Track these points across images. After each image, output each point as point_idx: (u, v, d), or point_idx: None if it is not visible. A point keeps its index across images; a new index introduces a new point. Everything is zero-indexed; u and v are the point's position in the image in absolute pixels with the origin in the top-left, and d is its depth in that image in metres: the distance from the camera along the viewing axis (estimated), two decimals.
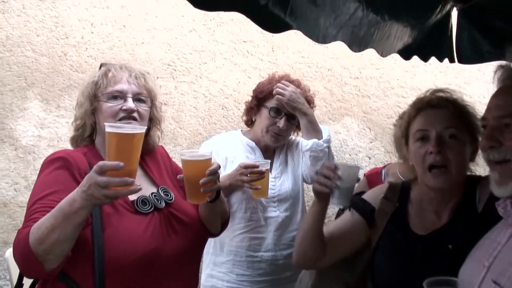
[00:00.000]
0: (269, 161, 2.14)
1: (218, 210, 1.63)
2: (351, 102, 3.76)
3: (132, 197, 1.47)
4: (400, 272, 1.46)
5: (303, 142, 2.23)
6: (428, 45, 2.22)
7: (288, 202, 2.21)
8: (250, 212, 2.15)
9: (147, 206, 1.49)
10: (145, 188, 1.50)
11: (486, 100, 1.27)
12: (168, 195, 1.57)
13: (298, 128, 2.30)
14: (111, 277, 1.35)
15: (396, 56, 2.23)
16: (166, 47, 3.24)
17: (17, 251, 1.27)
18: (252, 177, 2.03)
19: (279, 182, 2.24)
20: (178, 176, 1.52)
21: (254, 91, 2.28)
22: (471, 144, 1.48)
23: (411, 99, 1.66)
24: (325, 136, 2.23)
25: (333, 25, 1.81)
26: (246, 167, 2.04)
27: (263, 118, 2.22)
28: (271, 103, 2.19)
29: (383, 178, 2.64)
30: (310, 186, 2.01)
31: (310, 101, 2.27)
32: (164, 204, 1.53)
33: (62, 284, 1.37)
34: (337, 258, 1.60)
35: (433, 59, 2.33)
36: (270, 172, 2.19)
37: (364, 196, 1.65)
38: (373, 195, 1.63)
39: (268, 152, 2.29)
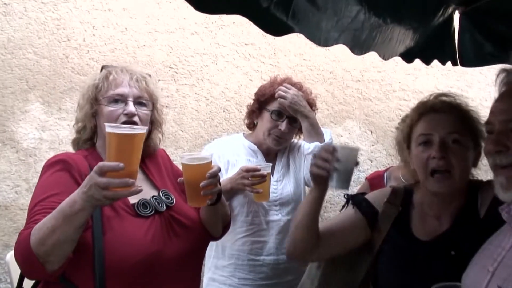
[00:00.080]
0: (271, 164, 2.14)
1: (219, 213, 1.62)
2: (352, 105, 3.75)
3: (133, 200, 1.47)
4: (402, 278, 1.45)
5: (305, 145, 2.23)
6: (430, 48, 2.21)
7: (290, 206, 2.21)
8: (252, 215, 2.15)
9: (148, 209, 1.48)
10: (146, 191, 1.49)
11: (488, 103, 1.26)
12: (169, 198, 1.56)
13: (300, 131, 2.30)
14: (112, 280, 1.34)
15: (397, 59, 2.22)
16: (168, 50, 3.24)
17: (19, 252, 1.27)
18: (253, 180, 2.03)
19: (281, 185, 2.23)
20: (179, 179, 1.51)
21: (256, 94, 2.28)
22: (474, 150, 1.47)
23: (413, 102, 1.66)
24: (326, 139, 2.23)
25: (335, 28, 1.80)
26: (248, 170, 2.03)
27: (265, 121, 2.21)
28: (273, 106, 2.19)
29: (385, 182, 2.64)
30: None
31: (312, 104, 2.27)
32: (165, 207, 1.53)
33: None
34: (331, 253, 1.58)
35: (435, 62, 2.32)
36: (272, 176, 2.19)
37: (367, 197, 1.63)
38: (375, 198, 1.61)
39: (270, 155, 2.28)
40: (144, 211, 1.47)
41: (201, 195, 1.42)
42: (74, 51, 3.01)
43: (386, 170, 2.80)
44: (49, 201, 1.34)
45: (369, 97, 3.81)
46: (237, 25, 3.39)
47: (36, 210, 1.33)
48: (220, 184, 1.52)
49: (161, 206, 1.52)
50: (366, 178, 2.90)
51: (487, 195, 1.42)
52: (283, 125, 2.17)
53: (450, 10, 2.18)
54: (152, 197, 1.53)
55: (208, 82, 3.33)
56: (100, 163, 1.19)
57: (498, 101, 1.24)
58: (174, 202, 1.56)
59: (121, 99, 1.53)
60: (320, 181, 1.46)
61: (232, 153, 2.23)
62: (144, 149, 1.33)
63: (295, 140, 2.38)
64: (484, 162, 1.47)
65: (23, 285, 1.52)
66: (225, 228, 1.74)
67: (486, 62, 2.33)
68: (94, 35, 3.06)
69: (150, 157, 1.66)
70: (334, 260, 1.63)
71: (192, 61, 3.30)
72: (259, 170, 2.03)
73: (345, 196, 1.64)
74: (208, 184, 1.41)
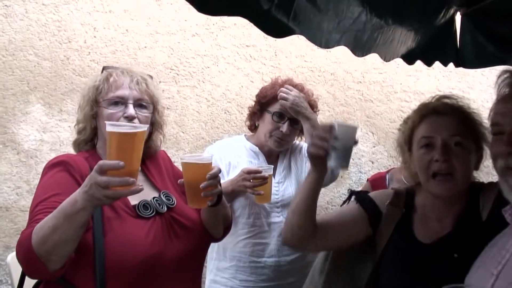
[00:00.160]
0: (272, 166, 2.13)
1: (220, 214, 1.62)
2: (354, 107, 3.75)
3: (134, 202, 1.46)
4: (405, 281, 1.43)
5: (307, 147, 2.22)
6: (432, 49, 2.21)
7: None
8: (254, 217, 2.14)
9: (148, 211, 1.48)
10: (147, 193, 1.49)
11: (490, 105, 1.24)
12: (169, 200, 1.56)
13: (301, 133, 2.29)
14: (112, 281, 1.34)
15: (399, 60, 2.22)
16: (169, 52, 3.24)
17: (20, 251, 1.26)
18: (254, 182, 2.02)
19: (283, 187, 2.23)
20: (179, 181, 1.50)
21: (257, 96, 2.27)
22: (476, 152, 1.46)
23: (414, 103, 1.65)
24: None
25: (336, 29, 1.79)
26: (249, 172, 2.03)
27: (266, 123, 2.21)
28: (274, 108, 2.18)
29: (387, 183, 2.63)
30: None
31: (313, 106, 2.26)
32: (165, 208, 1.52)
33: None
34: (328, 246, 1.56)
35: (436, 64, 2.32)
36: (274, 177, 2.18)
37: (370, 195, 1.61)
38: (378, 198, 1.59)
39: (271, 157, 2.28)
40: (145, 212, 1.47)
41: (201, 196, 1.41)
42: (75, 52, 3.02)
43: (388, 172, 2.79)
44: (51, 201, 1.34)
45: (370, 99, 3.81)
46: (238, 27, 3.39)
47: (38, 210, 1.33)
48: (220, 185, 1.51)
49: (162, 207, 1.51)
50: (367, 180, 2.89)
51: (489, 197, 1.41)
52: (284, 127, 2.17)
53: (451, 11, 2.18)
54: (153, 198, 1.52)
55: (209, 83, 3.33)
56: (101, 162, 1.18)
57: (506, 102, 1.20)
58: (175, 204, 1.56)
59: (121, 101, 1.52)
60: (318, 162, 1.41)
61: (233, 155, 2.22)
62: (145, 151, 1.32)
63: (296, 141, 2.37)
64: (485, 164, 1.47)
65: (24, 287, 1.52)
66: (226, 230, 1.73)
67: (487, 63, 2.33)
68: (95, 36, 3.06)
69: (151, 158, 1.66)
70: (337, 266, 1.61)
71: (193, 63, 3.30)
72: (260, 172, 2.02)
73: (349, 191, 1.63)
74: (208, 185, 1.40)
